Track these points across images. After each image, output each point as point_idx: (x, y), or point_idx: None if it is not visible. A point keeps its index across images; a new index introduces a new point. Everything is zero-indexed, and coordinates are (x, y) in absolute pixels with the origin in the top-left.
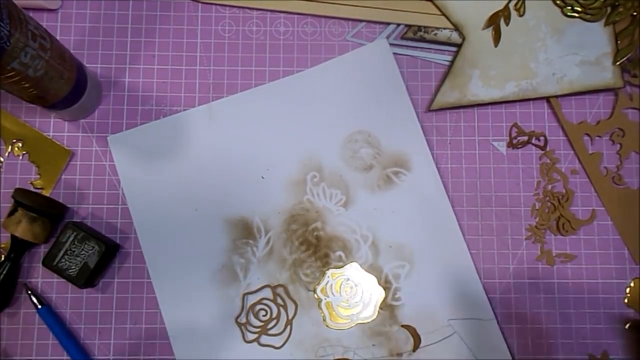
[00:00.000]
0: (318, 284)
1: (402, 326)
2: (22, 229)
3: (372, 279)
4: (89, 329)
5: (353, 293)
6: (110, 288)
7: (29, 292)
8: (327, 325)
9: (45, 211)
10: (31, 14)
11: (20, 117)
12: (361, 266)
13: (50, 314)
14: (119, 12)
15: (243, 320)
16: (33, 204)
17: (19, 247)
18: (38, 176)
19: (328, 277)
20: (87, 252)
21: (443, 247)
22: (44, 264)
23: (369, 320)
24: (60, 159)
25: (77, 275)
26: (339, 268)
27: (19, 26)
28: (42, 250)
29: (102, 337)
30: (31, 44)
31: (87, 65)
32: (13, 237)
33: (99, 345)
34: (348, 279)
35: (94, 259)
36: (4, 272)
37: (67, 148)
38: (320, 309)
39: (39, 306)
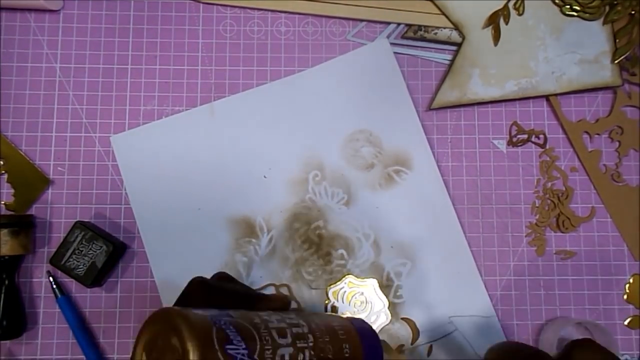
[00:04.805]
0: (334, 284)
1: (402, 319)
2: (11, 246)
3: (383, 302)
4: (93, 328)
5: (362, 308)
6: (114, 287)
7: (51, 278)
8: None
9: (22, 222)
10: (33, 15)
11: (7, 137)
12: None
13: (68, 304)
14: (121, 13)
15: None
16: (11, 220)
17: (10, 266)
18: (12, 198)
19: (345, 283)
20: (95, 251)
21: (444, 245)
22: (51, 262)
23: None
24: (38, 186)
25: (85, 275)
26: (359, 279)
27: (256, 338)
28: (47, 250)
29: (105, 337)
30: (282, 342)
31: (88, 65)
32: (2, 261)
33: (103, 345)
34: (362, 293)
35: (102, 259)
36: (5, 295)
37: (46, 176)
38: (326, 309)
39: (59, 295)
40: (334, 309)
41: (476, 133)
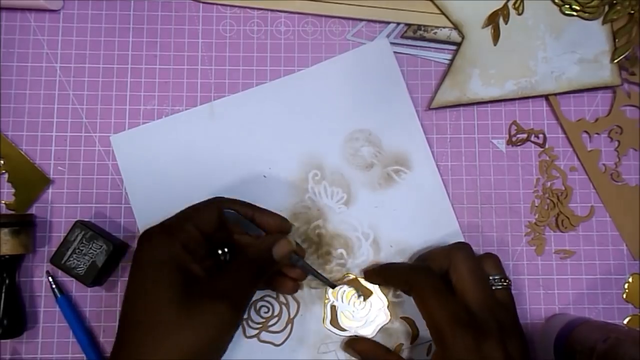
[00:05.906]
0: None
1: (401, 318)
2: (11, 246)
3: (382, 301)
4: (94, 327)
5: (361, 307)
6: (114, 287)
7: (50, 279)
8: (324, 326)
9: (22, 221)
10: (33, 15)
11: (7, 136)
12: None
13: (68, 304)
14: (121, 13)
15: (245, 315)
16: (11, 219)
17: (11, 266)
18: (13, 197)
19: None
20: (95, 251)
21: (444, 244)
22: (51, 262)
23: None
24: (38, 185)
25: (85, 274)
26: (359, 278)
27: None
28: (47, 249)
29: (105, 336)
30: None
31: (88, 65)
32: (2, 260)
33: (102, 344)
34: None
35: (102, 258)
36: (6, 294)
37: (47, 176)
38: (325, 308)
39: (58, 295)
40: (333, 308)
41: (475, 132)
